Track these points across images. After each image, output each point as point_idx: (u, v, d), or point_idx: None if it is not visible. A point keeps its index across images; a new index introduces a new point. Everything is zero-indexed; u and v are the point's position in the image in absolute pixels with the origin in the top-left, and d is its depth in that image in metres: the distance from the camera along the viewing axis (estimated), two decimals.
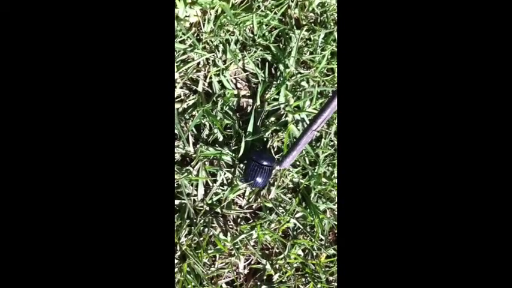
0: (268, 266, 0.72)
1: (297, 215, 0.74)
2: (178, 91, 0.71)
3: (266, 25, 0.75)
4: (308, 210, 0.74)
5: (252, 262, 0.73)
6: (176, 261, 0.67)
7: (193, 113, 0.71)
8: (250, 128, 0.72)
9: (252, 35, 0.75)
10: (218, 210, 0.70)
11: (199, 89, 0.72)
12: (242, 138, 0.70)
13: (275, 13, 0.74)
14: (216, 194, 0.70)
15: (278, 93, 0.74)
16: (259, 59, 0.76)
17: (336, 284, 0.75)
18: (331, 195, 0.76)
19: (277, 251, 0.73)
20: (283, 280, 0.72)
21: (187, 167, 0.69)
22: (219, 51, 0.73)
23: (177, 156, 0.70)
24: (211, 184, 0.71)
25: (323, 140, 0.76)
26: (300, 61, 0.77)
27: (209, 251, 0.69)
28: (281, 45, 0.76)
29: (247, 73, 0.75)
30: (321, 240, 0.74)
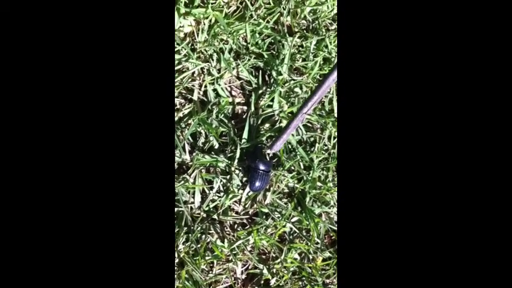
0: (265, 271, 0.73)
1: (292, 220, 0.75)
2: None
3: (259, 33, 0.76)
4: (304, 214, 0.75)
5: (250, 267, 0.74)
6: (174, 268, 0.69)
7: (189, 121, 0.72)
8: (245, 135, 0.73)
9: (245, 44, 0.76)
10: (215, 216, 0.72)
11: (195, 97, 0.73)
12: (237, 145, 0.72)
13: (268, 21, 0.76)
14: (213, 200, 0.72)
15: (272, 100, 0.76)
16: (253, 67, 0.77)
17: (332, 286, 0.76)
18: (326, 199, 0.77)
19: (274, 255, 0.74)
20: (281, 284, 0.73)
21: (184, 175, 0.70)
22: (213, 60, 0.74)
23: (174, 165, 0.72)
24: (207, 191, 0.72)
25: (317, 144, 0.77)
26: (293, 68, 0.78)
27: (207, 258, 0.70)
28: (274, 53, 0.77)
29: (242, 81, 0.76)
30: (317, 243, 0.76)
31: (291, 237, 0.76)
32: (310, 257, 0.76)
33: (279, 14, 0.77)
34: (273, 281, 0.74)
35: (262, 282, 0.74)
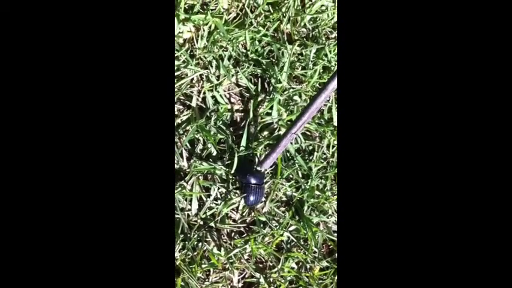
0: (262, 280, 0.72)
1: (290, 228, 0.75)
2: None
3: (259, 41, 0.76)
4: (301, 223, 0.74)
5: (246, 276, 0.73)
6: None
7: (187, 128, 0.71)
8: (243, 143, 0.73)
9: (244, 51, 0.76)
10: (212, 224, 0.71)
11: (193, 104, 0.72)
12: (235, 153, 0.71)
13: (267, 29, 0.75)
14: (210, 208, 0.71)
15: (271, 108, 0.75)
16: (252, 74, 0.76)
17: None
18: (324, 208, 0.77)
19: (271, 264, 0.74)
20: None
21: (181, 182, 0.70)
22: (212, 67, 0.74)
23: None
24: (205, 199, 0.71)
25: (316, 153, 0.77)
26: (292, 76, 0.78)
27: (203, 266, 0.69)
28: (273, 61, 0.77)
29: (241, 88, 0.76)
30: (315, 252, 0.75)
31: (288, 246, 0.75)
32: (308, 266, 0.75)
33: (278, 21, 0.77)
34: None
35: None
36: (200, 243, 0.69)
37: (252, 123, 0.75)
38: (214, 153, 0.72)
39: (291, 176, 0.75)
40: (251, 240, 0.71)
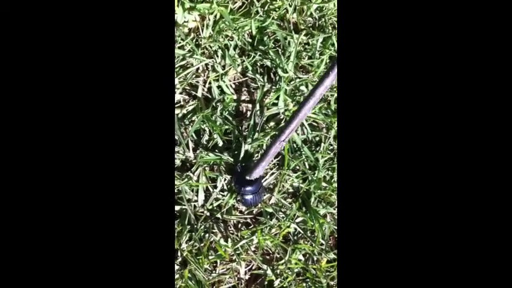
0: (269, 272, 0.72)
1: (297, 220, 0.74)
2: (178, 97, 0.71)
3: (265, 30, 0.75)
4: (308, 214, 0.74)
5: (253, 267, 0.72)
6: (177, 267, 0.67)
7: (193, 118, 0.70)
8: (250, 133, 0.72)
9: (250, 40, 0.75)
10: (219, 215, 0.70)
11: (199, 94, 0.72)
12: (242, 144, 0.70)
13: (273, 18, 0.74)
14: (217, 199, 0.70)
15: (277, 98, 0.74)
16: (258, 64, 0.75)
17: None
18: (331, 200, 0.76)
19: (278, 256, 0.73)
20: (285, 285, 0.72)
21: (187, 173, 0.69)
22: (218, 56, 0.73)
23: (177, 162, 0.70)
24: (211, 190, 0.70)
25: (322, 144, 0.76)
26: (299, 66, 0.77)
27: (210, 257, 0.68)
28: (280, 50, 0.76)
29: (246, 78, 0.75)
30: (322, 244, 0.74)
31: (295, 237, 0.74)
32: (315, 258, 0.74)
33: (284, 10, 0.76)
34: (276, 282, 0.72)
35: (266, 283, 0.72)
36: (207, 235, 0.69)
37: (258, 113, 0.74)
38: (221, 144, 0.72)
39: (297, 167, 0.74)
40: (258, 232, 0.70)
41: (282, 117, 0.75)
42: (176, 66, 0.70)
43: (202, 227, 0.68)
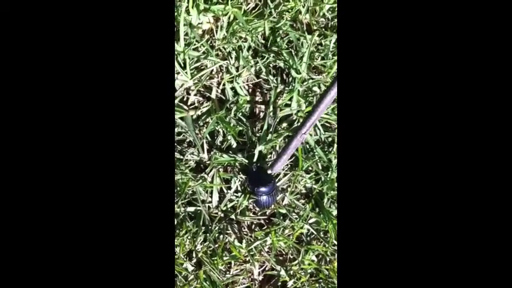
0: (282, 272, 0.72)
1: (310, 221, 0.74)
2: (192, 98, 0.72)
3: (278, 31, 0.75)
4: (321, 215, 0.74)
5: (267, 268, 0.73)
6: (192, 268, 0.68)
7: (207, 120, 0.71)
8: (263, 134, 0.72)
9: (263, 41, 0.75)
10: (233, 217, 0.70)
11: (213, 96, 0.72)
12: (256, 145, 0.71)
13: (286, 19, 0.74)
14: (231, 200, 0.71)
15: (290, 99, 0.75)
16: (271, 65, 0.76)
17: None
18: None
19: (291, 257, 0.73)
20: (298, 286, 0.72)
21: (201, 174, 0.69)
22: (231, 58, 0.73)
23: (192, 163, 0.71)
24: (225, 191, 0.71)
25: (335, 145, 0.76)
26: (312, 66, 0.77)
27: (224, 258, 0.69)
28: (293, 51, 0.76)
29: (260, 79, 0.75)
30: (335, 245, 0.74)
31: (308, 238, 0.75)
32: (328, 259, 0.75)
33: (297, 11, 0.76)
34: (290, 283, 0.72)
35: (279, 284, 0.73)
36: (221, 236, 0.69)
37: (272, 114, 0.74)
38: (234, 145, 0.72)
39: (310, 168, 0.74)
40: (272, 233, 0.71)
41: (295, 118, 0.75)
42: (191, 67, 0.70)
43: (217, 228, 0.69)
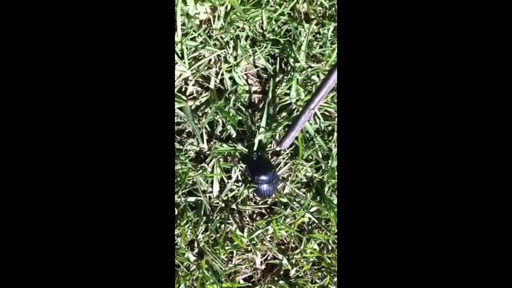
0: (285, 261, 0.72)
1: (311, 209, 0.74)
2: (190, 88, 0.72)
3: (275, 20, 0.75)
4: (323, 204, 0.74)
5: (269, 257, 0.73)
6: (194, 258, 0.67)
7: (206, 110, 0.70)
8: (263, 124, 0.72)
9: (261, 31, 0.75)
10: (234, 206, 0.70)
11: (212, 86, 0.72)
12: (256, 134, 0.70)
13: (284, 8, 0.74)
14: (231, 190, 0.70)
15: (289, 88, 0.74)
16: (270, 54, 0.75)
17: None
18: None
19: (293, 245, 0.73)
20: (300, 275, 0.72)
21: (202, 164, 0.69)
22: (229, 47, 0.73)
23: (192, 154, 0.70)
24: (226, 180, 0.70)
25: (335, 133, 0.76)
26: (310, 55, 0.77)
27: (226, 247, 0.69)
28: (291, 40, 0.76)
29: (258, 69, 0.75)
30: (336, 234, 0.74)
31: (309, 227, 0.74)
32: (330, 247, 0.75)
33: (295, 0, 0.76)
34: (292, 272, 0.72)
35: (281, 272, 0.73)
36: (223, 225, 0.69)
37: (271, 103, 0.74)
38: (234, 135, 0.72)
39: (310, 156, 0.74)
40: (273, 222, 0.70)
41: (294, 107, 0.75)
42: (189, 58, 0.70)
43: (218, 217, 0.68)
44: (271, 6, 0.74)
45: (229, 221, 0.70)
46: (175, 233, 0.66)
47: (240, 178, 0.71)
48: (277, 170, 0.72)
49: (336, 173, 0.75)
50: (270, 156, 0.74)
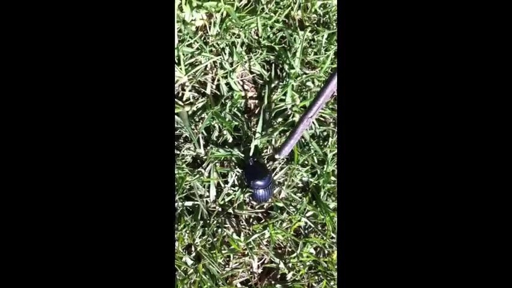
0: (281, 265, 0.72)
1: (307, 214, 0.75)
2: (187, 94, 0.72)
3: (270, 27, 0.76)
4: (318, 208, 0.74)
5: (266, 261, 0.73)
6: (192, 262, 0.68)
7: (203, 115, 0.71)
8: (259, 129, 0.73)
9: (257, 37, 0.76)
10: (230, 210, 0.71)
11: (208, 91, 0.73)
12: (252, 139, 0.71)
13: (279, 15, 0.76)
14: (228, 194, 0.71)
15: (285, 94, 0.75)
16: (265, 61, 0.76)
17: None
18: None
19: (289, 249, 0.74)
20: (297, 278, 0.72)
21: (198, 169, 0.70)
22: (225, 53, 0.74)
23: (189, 159, 0.71)
24: (222, 185, 0.71)
25: (330, 139, 0.77)
26: (305, 62, 0.78)
27: (223, 251, 0.69)
28: (286, 47, 0.77)
29: (254, 75, 0.76)
30: (332, 238, 0.75)
31: (306, 231, 0.75)
32: (326, 252, 0.75)
33: (289, 8, 0.77)
34: (289, 276, 0.73)
35: (278, 276, 0.73)
36: (219, 229, 0.69)
37: (266, 109, 0.75)
38: (230, 140, 0.72)
39: (306, 161, 0.75)
40: (270, 226, 0.71)
41: (289, 113, 0.76)
42: (185, 64, 0.71)
43: (215, 222, 0.69)
44: (266, 13, 0.75)
45: (226, 225, 0.70)
46: None
47: (236, 183, 0.72)
48: (273, 175, 0.73)
49: (332, 177, 0.76)
50: (266, 161, 0.74)
